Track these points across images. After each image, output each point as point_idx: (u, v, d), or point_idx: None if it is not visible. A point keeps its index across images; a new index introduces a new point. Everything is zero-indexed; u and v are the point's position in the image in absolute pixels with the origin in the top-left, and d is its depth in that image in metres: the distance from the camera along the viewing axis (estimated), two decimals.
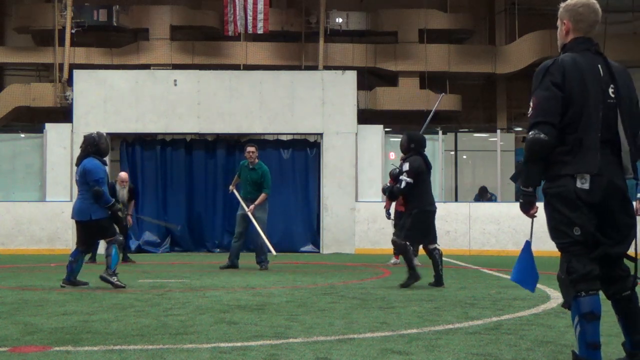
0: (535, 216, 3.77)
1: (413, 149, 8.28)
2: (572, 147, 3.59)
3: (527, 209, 3.74)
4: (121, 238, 8.23)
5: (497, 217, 15.02)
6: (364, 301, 6.85)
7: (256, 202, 10.59)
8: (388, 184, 8.25)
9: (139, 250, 15.21)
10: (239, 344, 4.60)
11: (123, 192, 12.16)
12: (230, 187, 11.33)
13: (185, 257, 14.31)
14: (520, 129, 20.26)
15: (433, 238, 8.36)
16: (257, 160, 10.89)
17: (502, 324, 5.46)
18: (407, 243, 8.09)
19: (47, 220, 15.06)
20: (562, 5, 3.82)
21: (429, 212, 8.22)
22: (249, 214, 10.60)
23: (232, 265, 11.05)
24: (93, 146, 8.14)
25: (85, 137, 8.33)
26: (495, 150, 16.40)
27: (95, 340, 4.71)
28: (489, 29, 25.01)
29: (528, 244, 3.90)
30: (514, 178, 3.84)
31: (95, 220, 7.98)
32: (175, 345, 4.55)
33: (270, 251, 10.75)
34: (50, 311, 6.11)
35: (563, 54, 3.74)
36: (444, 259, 12.14)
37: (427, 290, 7.84)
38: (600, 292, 3.61)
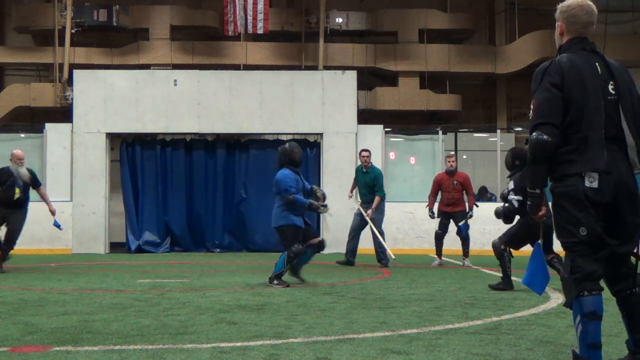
0: (544, 218, 3.75)
1: (518, 166, 8.01)
2: (577, 146, 3.58)
3: (535, 211, 3.73)
4: (297, 248, 8.37)
5: None
6: (364, 301, 6.85)
7: (373, 207, 11.21)
8: (501, 208, 8.04)
9: (139, 250, 15.22)
10: (239, 344, 4.60)
11: None
12: (349, 194, 12.23)
13: (185, 257, 14.32)
14: (520, 128, 20.23)
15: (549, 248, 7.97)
16: (370, 164, 11.57)
17: (502, 324, 5.46)
18: (506, 249, 7.97)
19: (47, 220, 14.98)
20: (558, 7, 3.84)
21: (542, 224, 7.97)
22: (367, 219, 11.20)
23: (348, 262, 11.61)
24: (286, 156, 8.55)
25: (279, 149, 8.74)
26: (495, 150, 16.39)
27: (95, 340, 4.72)
28: (489, 29, 25.01)
29: (538, 246, 3.87)
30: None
31: (278, 227, 8.44)
32: (175, 345, 4.55)
33: (389, 254, 11.37)
34: (50, 311, 6.11)
35: (559, 55, 3.75)
36: (445, 259, 12.18)
37: (427, 290, 7.85)
38: (603, 293, 3.61)
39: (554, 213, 3.68)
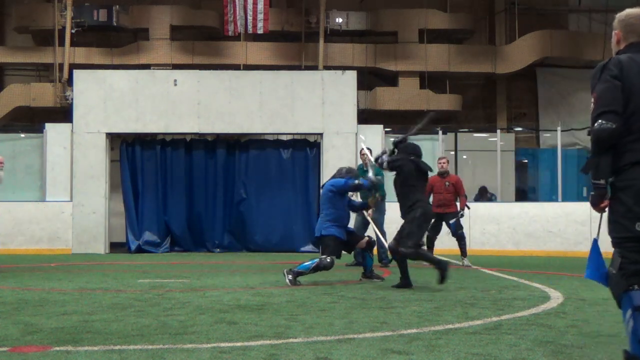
0: (605, 211, 3.67)
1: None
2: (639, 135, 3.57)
3: (598, 202, 3.62)
4: (328, 261, 8.50)
5: (497, 217, 15.02)
6: (364, 301, 6.85)
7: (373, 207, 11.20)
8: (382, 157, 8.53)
9: (139, 250, 15.22)
10: (239, 344, 4.60)
11: None
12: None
13: (185, 257, 14.32)
14: (520, 128, 20.23)
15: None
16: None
17: (502, 324, 5.46)
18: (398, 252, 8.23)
19: (47, 220, 15.06)
20: (616, 16, 3.90)
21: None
22: (369, 219, 10.98)
23: (358, 264, 11.32)
24: (338, 173, 9.16)
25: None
26: (495, 150, 16.40)
27: (95, 340, 4.72)
28: (489, 29, 25.00)
29: (595, 242, 3.78)
30: (584, 170, 3.76)
31: (319, 237, 8.76)
32: (175, 345, 4.55)
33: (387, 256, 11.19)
34: (50, 311, 6.11)
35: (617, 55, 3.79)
36: (445, 258, 12.17)
37: (427, 290, 7.85)
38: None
39: (609, 208, 3.64)
